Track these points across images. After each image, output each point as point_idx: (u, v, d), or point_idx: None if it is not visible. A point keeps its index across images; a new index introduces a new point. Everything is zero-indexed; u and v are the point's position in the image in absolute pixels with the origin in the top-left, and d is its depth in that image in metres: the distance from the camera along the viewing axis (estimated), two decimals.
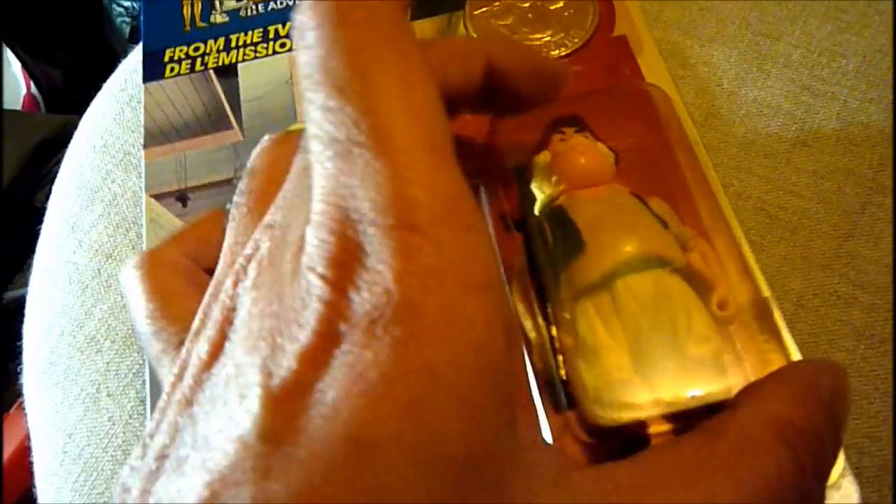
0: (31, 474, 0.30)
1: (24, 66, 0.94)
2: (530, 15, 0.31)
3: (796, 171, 0.28)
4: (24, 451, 0.31)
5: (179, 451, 0.14)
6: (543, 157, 0.24)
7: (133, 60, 0.36)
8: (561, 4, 0.31)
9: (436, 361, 0.13)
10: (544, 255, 0.23)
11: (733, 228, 0.24)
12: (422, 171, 0.14)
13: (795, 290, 0.26)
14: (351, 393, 0.13)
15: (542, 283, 0.23)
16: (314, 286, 0.14)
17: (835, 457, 0.17)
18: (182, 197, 0.31)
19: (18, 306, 0.33)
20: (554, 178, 0.24)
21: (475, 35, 0.31)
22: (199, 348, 0.15)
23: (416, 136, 0.15)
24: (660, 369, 0.20)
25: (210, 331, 0.16)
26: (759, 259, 0.26)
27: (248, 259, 0.16)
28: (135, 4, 0.98)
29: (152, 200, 0.31)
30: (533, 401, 0.16)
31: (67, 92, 0.95)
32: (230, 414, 0.14)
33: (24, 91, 0.94)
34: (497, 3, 0.32)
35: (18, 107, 0.93)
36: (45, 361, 0.30)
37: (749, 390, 0.18)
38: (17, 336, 0.32)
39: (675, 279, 0.21)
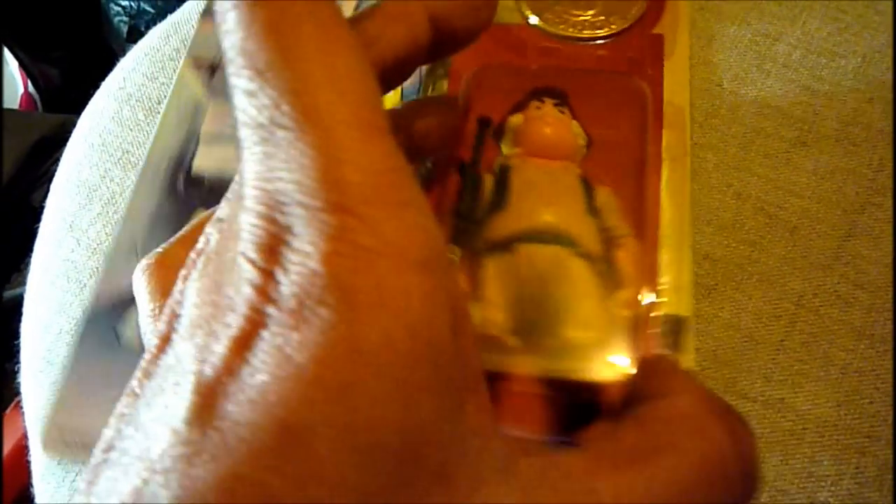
0: (28, 473, 0.30)
1: (22, 65, 0.93)
2: None
3: (796, 171, 0.28)
4: (22, 449, 0.30)
5: (123, 442, 0.14)
6: (516, 119, 0.25)
7: (131, 59, 0.36)
8: None
9: (366, 343, 0.13)
10: (468, 203, 0.23)
11: (685, 242, 0.25)
12: (350, 148, 0.14)
13: (795, 290, 0.26)
14: (278, 376, 0.13)
15: (460, 228, 0.23)
16: (245, 270, 0.14)
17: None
18: (212, 68, 0.34)
19: (16, 305, 0.33)
20: (517, 141, 0.24)
21: None
22: (151, 343, 0.15)
23: (342, 111, 0.14)
24: (531, 338, 0.21)
25: (160, 325, 0.15)
26: (758, 259, 0.27)
27: (199, 253, 0.16)
28: (132, 4, 0.97)
29: (188, 66, 0.34)
30: (485, 384, 0.15)
31: (65, 91, 0.95)
32: (166, 402, 0.14)
33: (21, 90, 0.94)
34: None
35: (16, 106, 0.93)
36: (43, 360, 0.30)
37: (672, 373, 0.18)
38: (15, 335, 0.32)
39: (577, 262, 0.22)
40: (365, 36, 0.20)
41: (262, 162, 0.14)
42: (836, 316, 0.25)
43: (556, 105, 0.25)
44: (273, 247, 0.14)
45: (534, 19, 0.30)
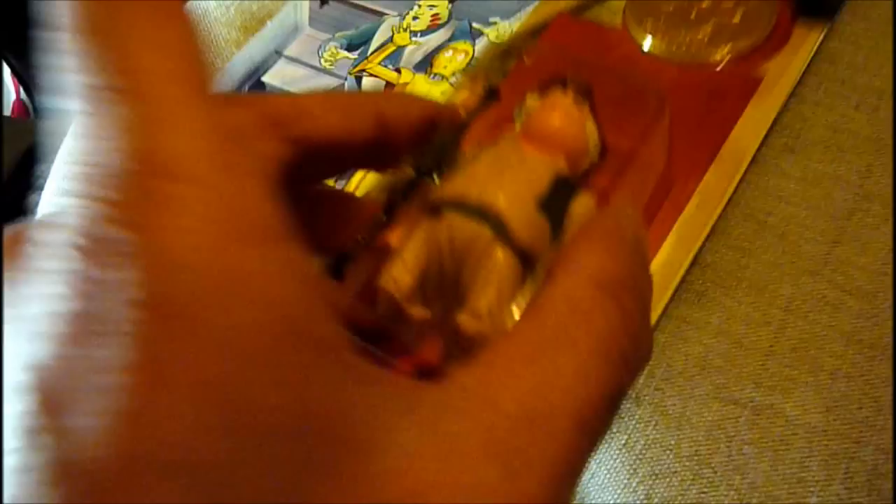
0: None
1: (14, 71, 0.93)
2: (693, 15, 0.30)
3: (784, 178, 0.28)
4: None
5: None
6: (532, 99, 0.22)
7: None
8: (736, 20, 0.30)
9: (229, 331, 0.12)
10: (427, 160, 0.22)
11: (668, 290, 0.25)
12: (179, 113, 0.13)
13: (784, 296, 0.26)
14: (143, 385, 0.11)
15: (412, 182, 0.22)
16: (74, 259, 0.12)
17: (651, 292, 0.17)
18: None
19: None
20: (525, 122, 0.22)
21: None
22: None
23: (170, 75, 0.13)
24: (433, 309, 0.20)
25: None
26: (748, 265, 0.27)
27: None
28: None
29: None
30: (349, 332, 0.14)
31: None
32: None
33: (13, 97, 0.94)
34: None
35: (8, 112, 0.92)
36: None
37: (563, 254, 0.17)
38: None
39: (500, 249, 0.19)
40: (302, 109, 0.19)
41: (83, 132, 0.13)
42: (824, 321, 0.26)
43: (576, 99, 0.22)
44: (98, 225, 0.12)
45: (647, 39, 0.29)
